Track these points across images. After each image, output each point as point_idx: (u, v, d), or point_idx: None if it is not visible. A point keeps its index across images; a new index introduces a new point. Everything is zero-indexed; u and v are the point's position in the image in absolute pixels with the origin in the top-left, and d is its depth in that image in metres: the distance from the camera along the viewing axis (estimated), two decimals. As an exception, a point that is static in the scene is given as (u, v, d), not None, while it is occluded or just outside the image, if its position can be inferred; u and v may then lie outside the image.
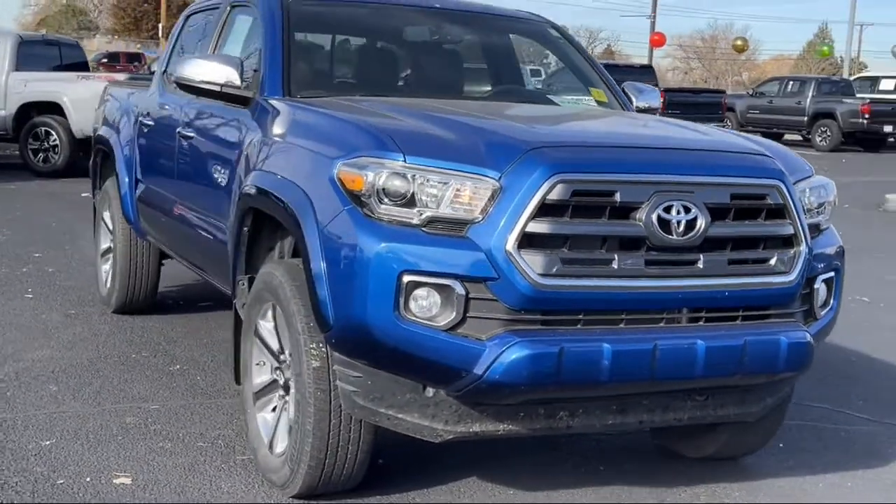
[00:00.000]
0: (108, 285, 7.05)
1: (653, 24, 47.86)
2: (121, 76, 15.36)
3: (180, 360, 5.97)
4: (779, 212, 3.84)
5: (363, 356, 3.67)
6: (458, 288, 3.47)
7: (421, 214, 3.54)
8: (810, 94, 30.77)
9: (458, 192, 3.53)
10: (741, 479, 4.57)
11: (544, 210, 3.49)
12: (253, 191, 4.25)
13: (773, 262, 3.81)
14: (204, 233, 5.13)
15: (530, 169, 3.51)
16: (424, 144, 3.69)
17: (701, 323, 3.74)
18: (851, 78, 36.25)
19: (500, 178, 3.52)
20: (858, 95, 31.01)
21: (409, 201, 3.55)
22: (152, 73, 7.91)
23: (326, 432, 3.83)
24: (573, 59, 5.72)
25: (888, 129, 29.39)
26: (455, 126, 3.90)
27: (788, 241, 3.86)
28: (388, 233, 3.53)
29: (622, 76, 6.85)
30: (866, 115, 29.25)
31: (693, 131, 4.45)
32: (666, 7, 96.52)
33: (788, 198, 3.85)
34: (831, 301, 4.14)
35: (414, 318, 3.49)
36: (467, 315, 3.49)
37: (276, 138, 4.34)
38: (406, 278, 3.48)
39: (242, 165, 4.54)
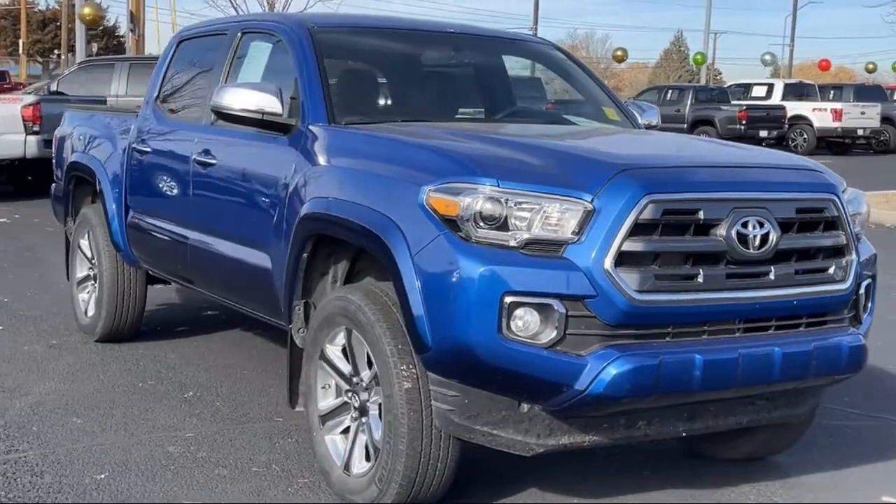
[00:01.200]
0: (92, 314, 6.95)
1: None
2: (30, 97, 15.03)
3: (190, 387, 5.95)
4: (834, 223, 4.11)
5: (462, 375, 3.79)
6: (559, 306, 3.62)
7: (517, 237, 3.67)
8: (689, 102, 31.80)
9: (552, 215, 3.68)
10: (777, 478, 4.81)
11: (637, 229, 3.67)
12: (317, 216, 4.33)
13: (831, 270, 4.08)
14: (233, 260, 5.16)
15: (623, 190, 3.69)
16: (514, 169, 3.83)
17: (771, 331, 3.97)
18: (726, 85, 37.57)
19: (592, 199, 3.69)
20: (734, 102, 32.16)
21: (503, 224, 3.69)
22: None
23: (419, 451, 3.93)
24: (581, 80, 5.93)
25: (764, 133, 30.57)
26: (534, 150, 4.09)
27: (841, 251, 4.13)
28: (488, 255, 3.66)
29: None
30: (743, 121, 30.44)
31: (746, 149, 4.70)
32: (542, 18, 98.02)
33: (841, 209, 4.12)
34: (869, 305, 4.43)
35: (516, 337, 3.63)
36: (567, 332, 3.64)
37: (337, 165, 4.43)
38: (508, 299, 3.62)
39: (291, 192, 4.60)
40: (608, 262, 3.63)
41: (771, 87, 34.20)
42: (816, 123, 31.63)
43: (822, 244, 4.08)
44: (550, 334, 3.63)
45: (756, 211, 3.87)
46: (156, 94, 6.37)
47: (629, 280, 3.65)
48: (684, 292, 3.77)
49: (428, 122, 4.88)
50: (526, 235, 3.68)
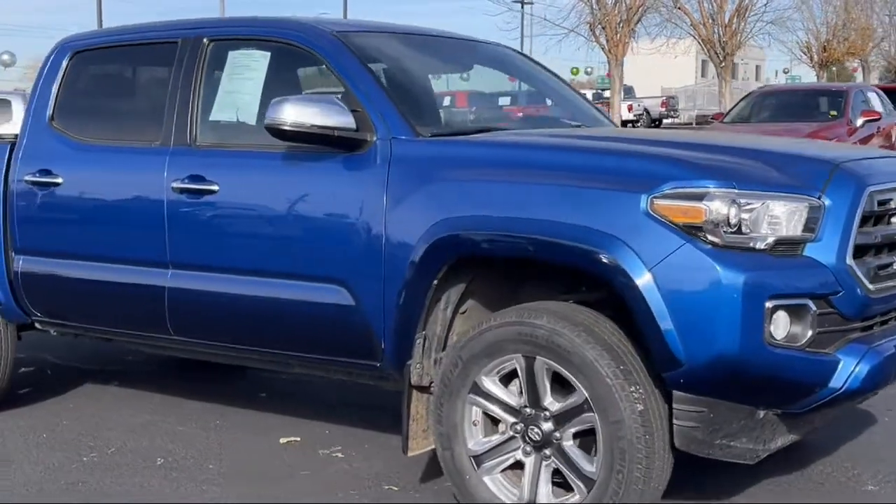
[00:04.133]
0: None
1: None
2: None
3: (160, 452, 5.13)
4: None
5: (717, 388, 3.62)
6: (811, 306, 3.59)
7: (764, 239, 3.59)
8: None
9: (788, 215, 3.63)
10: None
11: (863, 221, 3.72)
12: (463, 238, 3.93)
13: None
14: (274, 301, 4.52)
15: (845, 185, 3.72)
16: (742, 172, 3.73)
17: None
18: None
19: (819, 196, 3.68)
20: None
21: (743, 228, 3.59)
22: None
23: (652, 474, 3.70)
24: (554, 84, 5.80)
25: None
26: (738, 153, 4.01)
27: None
28: (745, 261, 3.54)
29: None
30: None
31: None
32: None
33: None
34: None
35: (778, 342, 3.55)
36: (817, 331, 3.62)
37: (466, 179, 4.03)
38: (771, 303, 3.52)
39: (387, 214, 4.14)
40: (849, 258, 3.65)
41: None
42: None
43: None
44: (807, 335, 3.58)
45: None
46: (49, 114, 5.38)
47: (862, 273, 3.69)
48: (890, 279, 3.87)
49: (518, 131, 4.58)
50: (771, 237, 3.60)
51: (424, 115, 4.61)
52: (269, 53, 4.78)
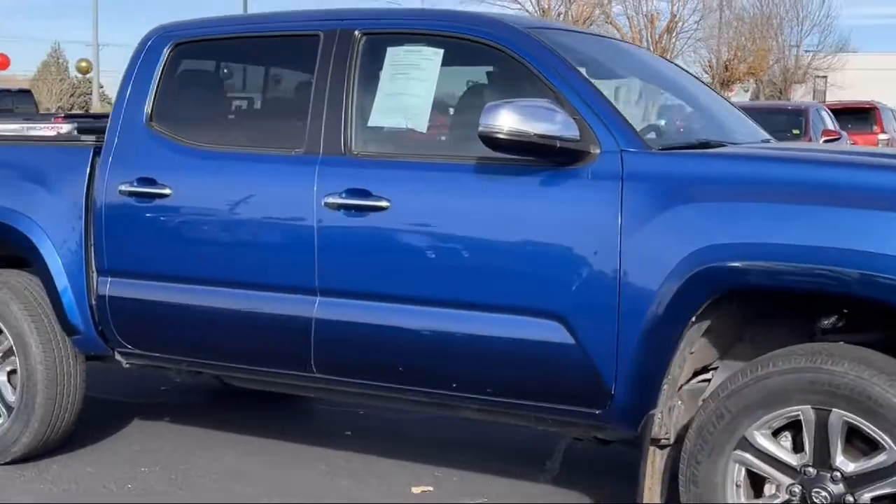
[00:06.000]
0: (3, 426, 4.91)
1: None
2: None
3: (276, 507, 4.46)
4: None
5: None
6: None
7: None
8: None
9: None
10: None
11: None
12: (742, 268, 3.40)
13: None
14: (469, 336, 3.90)
15: None
16: None
17: None
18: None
19: None
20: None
21: None
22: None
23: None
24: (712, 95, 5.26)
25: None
26: None
27: None
28: None
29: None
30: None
31: None
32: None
33: None
34: None
35: None
36: None
37: (737, 199, 3.50)
38: None
39: (637, 238, 3.58)
40: None
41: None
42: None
43: None
44: None
45: None
46: (147, 113, 4.63)
47: None
48: None
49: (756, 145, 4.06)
50: None
51: (641, 125, 4.05)
52: (441, 51, 4.13)
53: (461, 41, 4.11)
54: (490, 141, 3.67)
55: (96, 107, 45.56)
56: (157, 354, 4.70)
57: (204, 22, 4.81)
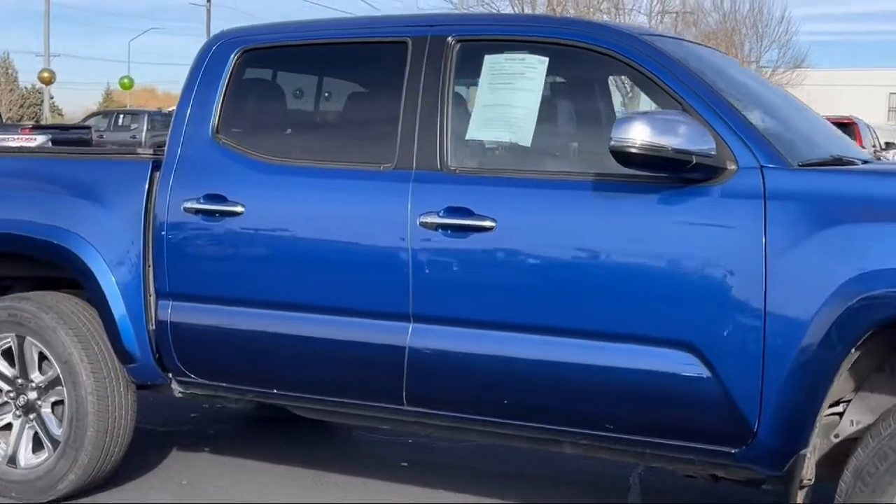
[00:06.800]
0: (41, 460, 4.56)
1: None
2: None
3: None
4: None
5: None
6: None
7: None
8: (146, 128, 30.34)
9: None
10: None
11: None
12: None
13: None
14: (587, 367, 3.61)
15: None
16: None
17: None
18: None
19: None
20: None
21: None
22: None
23: None
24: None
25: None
26: None
27: None
28: None
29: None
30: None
31: None
32: None
33: None
34: None
35: None
36: None
37: None
38: None
39: (767, 263, 3.32)
40: None
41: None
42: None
43: None
44: None
45: None
46: (213, 125, 4.30)
47: None
48: None
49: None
50: None
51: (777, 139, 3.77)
52: (547, 59, 3.84)
53: (570, 48, 3.82)
54: (622, 156, 3.39)
55: (47, 117, 44.85)
56: (223, 384, 4.36)
57: (273, 28, 4.50)
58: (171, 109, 34.82)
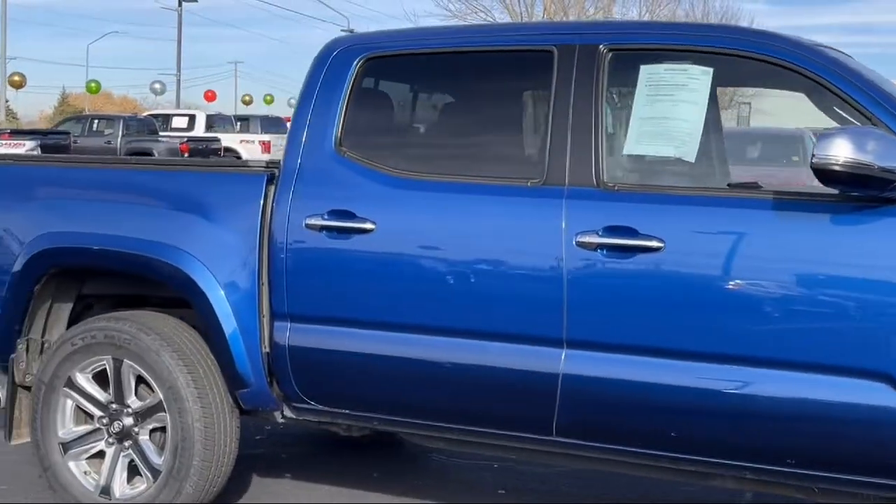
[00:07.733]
0: (138, 490, 4.29)
1: None
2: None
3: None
4: None
5: None
6: None
7: None
8: (120, 133, 29.76)
9: None
10: None
11: None
12: None
13: None
14: (764, 399, 3.41)
15: None
16: None
17: None
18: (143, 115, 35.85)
19: None
20: (164, 133, 30.78)
21: None
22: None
23: None
24: None
25: (205, 165, 29.65)
26: None
27: None
28: None
29: None
30: (185, 154, 29.18)
31: None
32: None
33: None
34: None
35: None
36: None
37: None
38: None
39: None
40: None
41: (193, 117, 33.27)
42: (245, 155, 31.36)
43: None
44: None
45: None
46: (336, 137, 4.06)
47: None
48: None
49: None
50: None
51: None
52: (711, 70, 3.64)
53: (738, 59, 3.62)
54: (825, 174, 3.20)
55: (2, 122, 44.09)
56: (346, 411, 4.11)
57: (398, 34, 4.26)
58: (145, 115, 34.36)
